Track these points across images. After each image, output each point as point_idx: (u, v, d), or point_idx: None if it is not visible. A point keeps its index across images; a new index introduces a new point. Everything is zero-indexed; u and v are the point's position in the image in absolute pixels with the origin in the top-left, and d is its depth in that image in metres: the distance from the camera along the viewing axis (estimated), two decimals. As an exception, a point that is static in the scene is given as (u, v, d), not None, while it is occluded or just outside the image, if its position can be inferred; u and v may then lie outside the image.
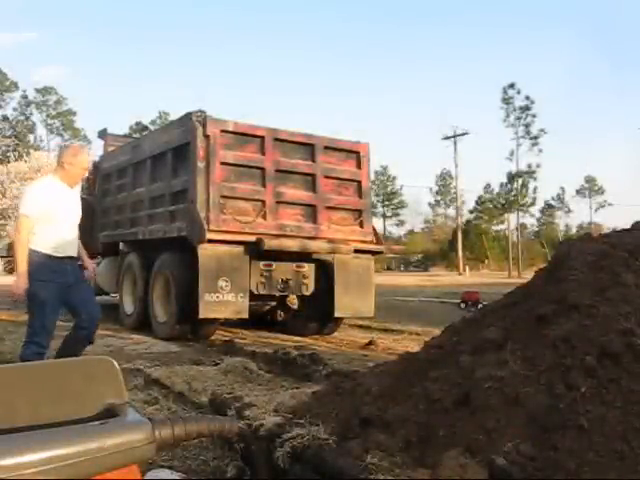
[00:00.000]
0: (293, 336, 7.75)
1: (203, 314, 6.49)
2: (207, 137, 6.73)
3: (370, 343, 6.98)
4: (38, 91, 60.97)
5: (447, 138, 45.79)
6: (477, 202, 55.56)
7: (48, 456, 0.61)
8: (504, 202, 44.28)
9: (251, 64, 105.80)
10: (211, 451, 2.97)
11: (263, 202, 7.06)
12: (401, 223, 69.41)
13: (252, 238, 6.74)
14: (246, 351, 6.00)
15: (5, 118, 59.06)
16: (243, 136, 7.10)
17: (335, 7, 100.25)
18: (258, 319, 8.21)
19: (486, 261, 52.00)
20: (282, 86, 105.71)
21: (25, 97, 60.34)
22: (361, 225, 7.80)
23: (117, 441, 0.65)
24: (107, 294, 9.96)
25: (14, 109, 59.84)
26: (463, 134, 45.25)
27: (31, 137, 60.61)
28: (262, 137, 7.17)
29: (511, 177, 42.42)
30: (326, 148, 7.64)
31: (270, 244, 6.75)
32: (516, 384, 2.17)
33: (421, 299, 15.75)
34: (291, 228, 7.21)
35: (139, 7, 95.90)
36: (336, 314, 7.42)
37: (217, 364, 5.13)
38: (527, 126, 40.64)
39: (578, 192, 68.30)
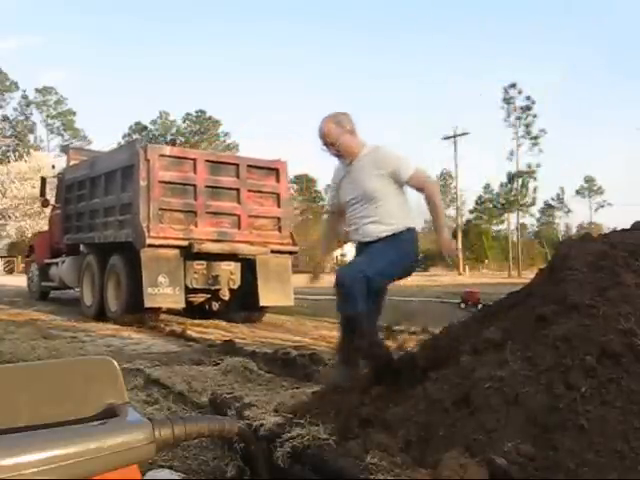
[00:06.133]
0: (293, 335, 7.77)
1: (147, 304, 7.93)
2: (148, 161, 8.14)
3: (370, 343, 6.96)
4: (38, 91, 60.99)
5: (447, 138, 45.80)
6: (477, 202, 55.58)
7: (48, 456, 0.60)
8: (504, 202, 44.31)
9: (251, 63, 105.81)
10: (211, 451, 2.97)
11: (195, 213, 8.52)
12: (401, 223, 69.29)
13: (185, 243, 8.22)
14: (246, 351, 6.00)
15: (5, 118, 59.08)
16: (178, 159, 8.57)
17: (336, 8, 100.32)
18: (196, 308, 9.65)
19: (486, 261, 52.01)
20: (282, 84, 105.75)
21: (25, 97, 60.37)
22: (279, 230, 9.25)
23: (117, 441, 0.65)
24: (71, 288, 11.44)
25: (14, 109, 59.89)
26: (463, 134, 45.25)
27: (31, 137, 60.64)
28: (194, 159, 8.64)
29: (511, 177, 42.47)
30: (249, 167, 9.08)
31: (200, 247, 8.22)
32: (516, 384, 2.17)
33: (421, 299, 15.75)
34: (219, 234, 8.63)
35: (140, 8, 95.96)
36: (260, 303, 8.83)
37: (217, 364, 5.12)
38: (527, 126, 40.70)
39: (578, 192, 68.34)
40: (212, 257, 8.53)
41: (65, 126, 62.17)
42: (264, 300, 8.81)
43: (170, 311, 9.41)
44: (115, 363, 0.76)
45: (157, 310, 8.46)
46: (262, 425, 2.60)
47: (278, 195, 9.19)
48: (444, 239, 3.37)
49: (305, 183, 63.24)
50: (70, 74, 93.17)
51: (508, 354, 2.32)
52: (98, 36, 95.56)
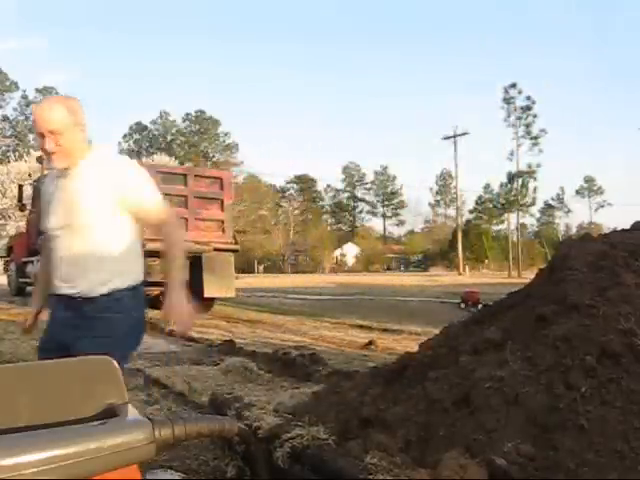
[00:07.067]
0: (293, 335, 7.78)
1: None
2: None
3: (370, 343, 6.99)
4: (38, 91, 60.97)
5: (447, 138, 45.75)
6: (477, 202, 55.55)
7: (48, 456, 0.60)
8: (504, 202, 44.24)
9: (251, 62, 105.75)
10: (211, 451, 2.96)
11: None
12: (401, 223, 69.51)
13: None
14: (246, 351, 6.00)
15: (5, 118, 59.11)
16: None
17: (335, 8, 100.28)
18: (152, 300, 10.76)
19: (486, 261, 52.00)
20: (282, 83, 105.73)
21: (25, 97, 60.37)
22: (223, 231, 10.56)
23: (117, 441, 0.65)
24: None
25: (14, 109, 59.91)
26: (463, 134, 45.21)
27: (31, 137, 60.55)
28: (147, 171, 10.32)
29: (511, 177, 42.41)
30: (196, 176, 10.53)
31: (149, 246, 9.48)
32: (516, 384, 2.17)
33: (421, 299, 15.75)
34: None
35: (141, 8, 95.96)
36: (205, 295, 9.94)
37: (217, 364, 5.12)
38: (528, 126, 40.67)
39: (578, 192, 68.33)
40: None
41: (65, 126, 62.13)
42: (208, 292, 9.98)
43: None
44: (115, 363, 0.76)
45: None
46: (262, 425, 2.60)
47: (222, 201, 10.54)
48: (174, 300, 2.30)
49: (305, 183, 63.29)
50: (70, 75, 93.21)
51: (508, 354, 2.32)
52: (98, 36, 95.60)
